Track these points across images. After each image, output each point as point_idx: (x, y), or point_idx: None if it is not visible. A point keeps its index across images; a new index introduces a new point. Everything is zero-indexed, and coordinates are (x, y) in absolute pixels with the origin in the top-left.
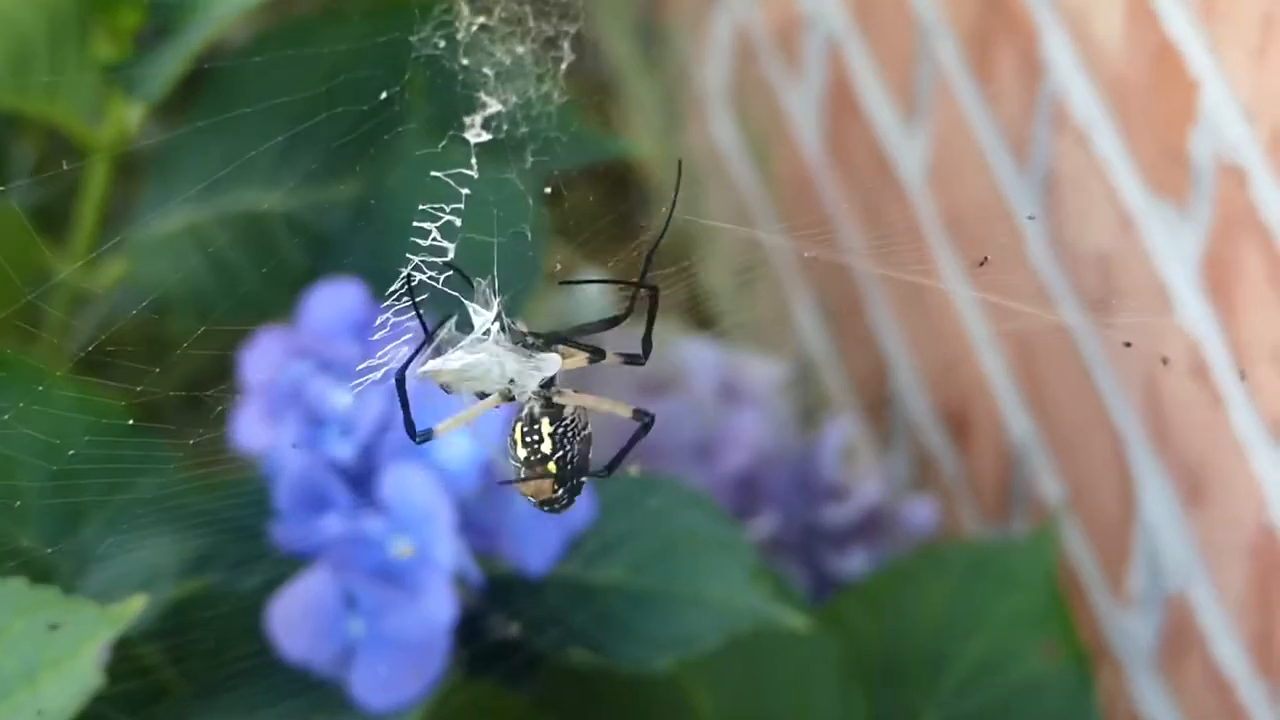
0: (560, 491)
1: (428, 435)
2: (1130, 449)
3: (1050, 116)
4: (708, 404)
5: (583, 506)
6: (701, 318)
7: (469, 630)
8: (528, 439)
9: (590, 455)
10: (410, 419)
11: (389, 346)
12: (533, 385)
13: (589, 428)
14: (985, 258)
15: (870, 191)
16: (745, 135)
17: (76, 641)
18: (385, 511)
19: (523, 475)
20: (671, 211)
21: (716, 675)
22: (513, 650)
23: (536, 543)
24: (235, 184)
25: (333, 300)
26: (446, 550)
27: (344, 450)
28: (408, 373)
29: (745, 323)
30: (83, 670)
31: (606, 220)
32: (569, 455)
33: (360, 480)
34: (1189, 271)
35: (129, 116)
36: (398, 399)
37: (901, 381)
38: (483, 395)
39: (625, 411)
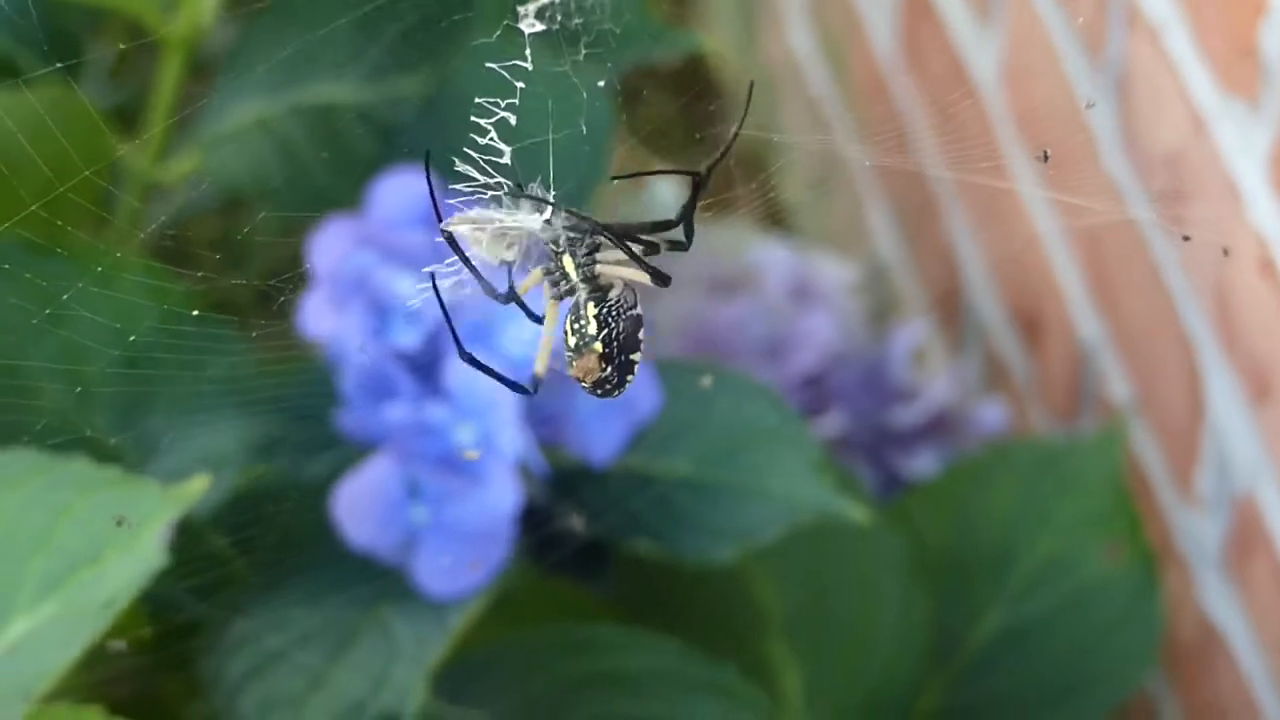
0: (609, 370)
1: (535, 383)
2: (1199, 349)
3: (1123, 14)
4: (779, 304)
5: (648, 398)
6: (776, 220)
7: (532, 520)
8: (575, 325)
9: (640, 335)
10: (457, 335)
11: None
12: (561, 235)
13: (637, 307)
14: (1046, 153)
15: (944, 94)
16: (821, 39)
17: (140, 521)
18: (450, 400)
19: (571, 360)
20: (739, 130)
21: (781, 570)
22: (576, 540)
23: (601, 433)
24: (305, 76)
25: (399, 190)
26: (510, 439)
27: (409, 339)
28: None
29: (819, 225)
30: (146, 550)
31: (679, 124)
32: (614, 334)
33: (425, 369)
34: (1259, 169)
35: (202, 9)
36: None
37: (973, 284)
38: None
39: (643, 277)
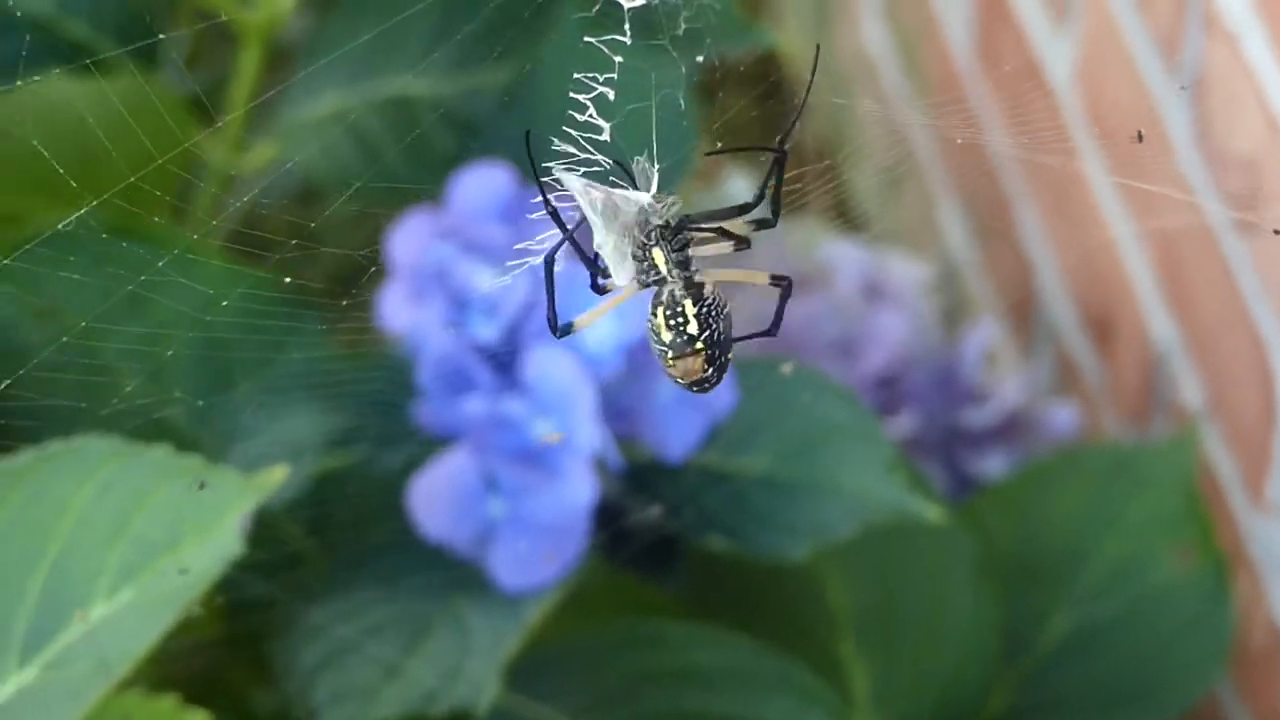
0: (710, 370)
1: (569, 329)
2: (1272, 353)
3: (1201, 19)
4: (851, 303)
5: (724, 394)
6: (847, 218)
7: (608, 515)
8: (672, 322)
9: (731, 333)
10: (554, 309)
11: (542, 236)
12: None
13: (729, 305)
14: (1140, 133)
15: (1018, 93)
16: (895, 37)
17: (219, 509)
18: (527, 394)
19: (670, 358)
20: (806, 96)
21: (852, 569)
22: (650, 536)
23: (677, 429)
24: (385, 68)
25: (481, 183)
26: (587, 434)
27: (488, 332)
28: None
29: (891, 225)
30: (224, 537)
31: (753, 117)
32: (715, 333)
33: (503, 362)
34: None
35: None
36: (545, 286)
37: (1045, 286)
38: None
39: (762, 279)
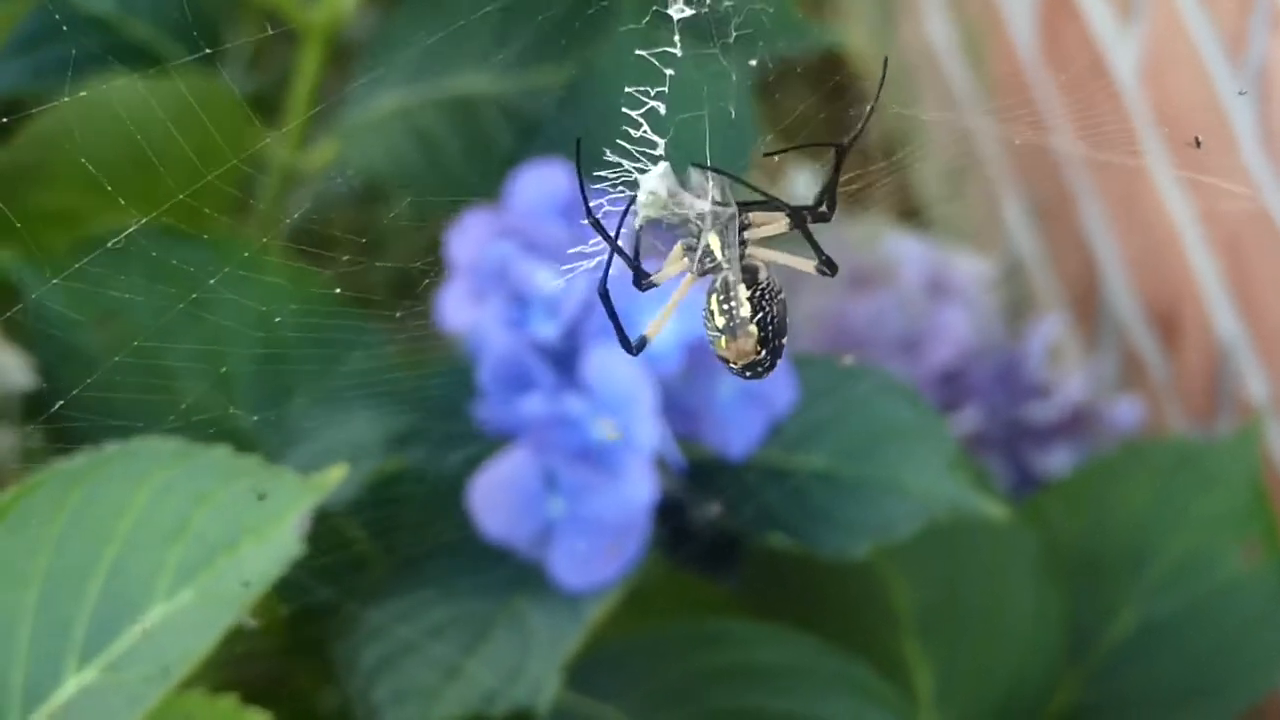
0: (764, 353)
1: (643, 343)
2: None
3: (1266, 13)
4: (915, 298)
5: (785, 391)
6: (911, 214)
7: (668, 513)
8: (725, 306)
9: (787, 319)
10: (623, 333)
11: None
12: (702, 206)
13: (783, 291)
14: (1197, 139)
15: (1084, 90)
16: (960, 33)
17: (278, 509)
18: (588, 393)
19: (723, 342)
20: (874, 106)
21: (914, 566)
22: (712, 534)
23: (738, 427)
24: (446, 67)
25: (540, 182)
26: (648, 432)
27: (548, 331)
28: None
29: (956, 221)
30: (283, 538)
31: (816, 116)
32: (769, 317)
33: (563, 361)
34: None
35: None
36: (607, 314)
37: (1110, 281)
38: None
39: (808, 266)
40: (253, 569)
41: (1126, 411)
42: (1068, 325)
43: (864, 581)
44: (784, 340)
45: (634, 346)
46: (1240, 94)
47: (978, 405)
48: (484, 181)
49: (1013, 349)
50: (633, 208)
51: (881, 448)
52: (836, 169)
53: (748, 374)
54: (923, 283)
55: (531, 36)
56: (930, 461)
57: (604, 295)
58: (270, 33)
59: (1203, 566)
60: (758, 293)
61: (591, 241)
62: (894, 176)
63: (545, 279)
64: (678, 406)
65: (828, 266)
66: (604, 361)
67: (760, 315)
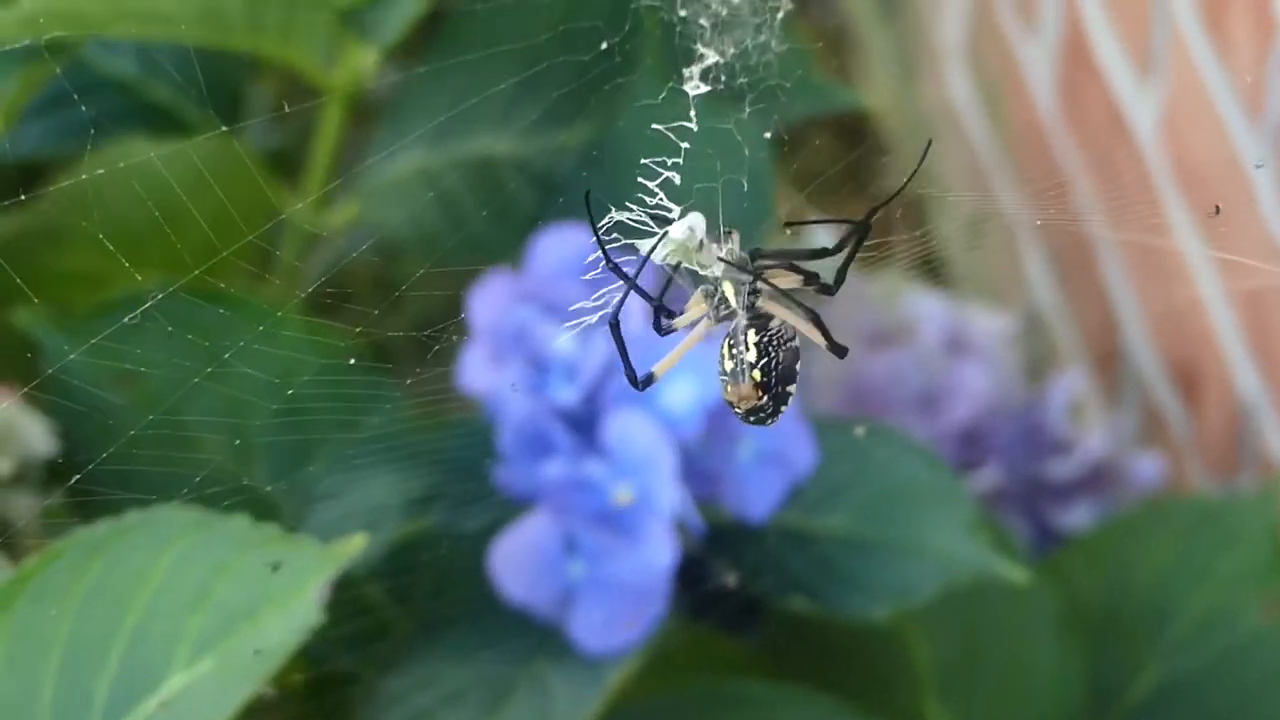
0: (765, 399)
1: (649, 379)
2: None
3: None
4: (934, 356)
5: (805, 455)
6: (932, 270)
7: (689, 576)
8: (734, 350)
9: (797, 368)
10: (630, 366)
11: (604, 290)
12: (718, 254)
13: (796, 340)
14: (1218, 207)
15: (1103, 146)
16: (980, 89)
17: (298, 579)
18: (608, 457)
19: (728, 386)
20: (906, 183)
21: (935, 626)
22: (732, 597)
23: (758, 491)
24: (466, 128)
25: (559, 245)
26: (668, 496)
27: (568, 395)
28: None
29: (977, 275)
30: (303, 607)
31: (840, 173)
32: (774, 363)
33: (584, 425)
34: None
35: (363, 60)
36: (616, 345)
37: (1131, 337)
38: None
39: (820, 340)
40: (272, 638)
41: (1148, 468)
42: (1089, 381)
43: (884, 640)
44: (790, 388)
45: (640, 382)
46: (1258, 167)
47: (998, 462)
48: (505, 243)
49: (1033, 405)
50: (662, 242)
51: (901, 510)
52: (855, 248)
53: (751, 419)
54: (941, 340)
55: (553, 98)
56: (950, 523)
57: (614, 326)
58: (291, 89)
59: (1224, 623)
60: (766, 339)
61: (596, 296)
62: (917, 233)
63: (564, 343)
64: (698, 470)
65: (837, 351)
66: (624, 425)
67: (765, 360)
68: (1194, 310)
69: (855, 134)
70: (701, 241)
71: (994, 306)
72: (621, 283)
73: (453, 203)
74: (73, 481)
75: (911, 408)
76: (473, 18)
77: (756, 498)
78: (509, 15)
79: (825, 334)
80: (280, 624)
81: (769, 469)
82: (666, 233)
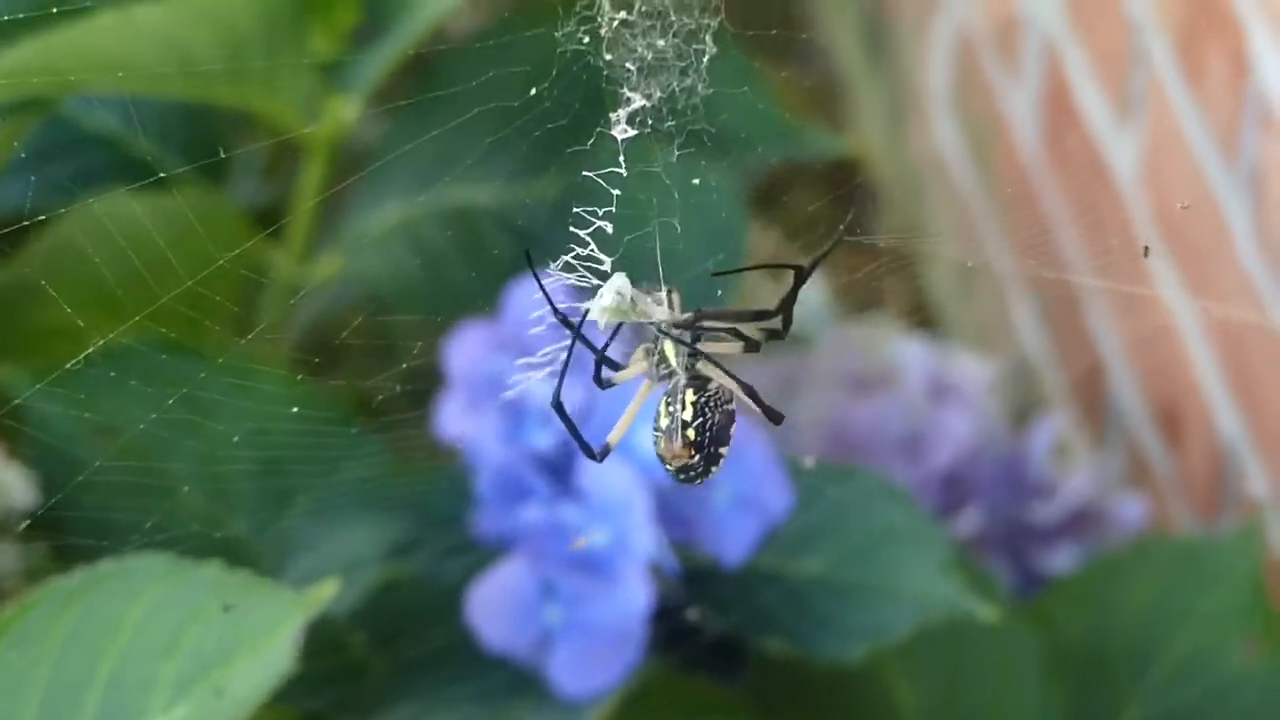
0: (697, 459)
1: (606, 450)
2: None
3: (1257, 115)
4: (918, 401)
5: (780, 497)
6: (921, 315)
7: (666, 620)
8: (670, 407)
9: (732, 431)
10: (584, 442)
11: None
12: (660, 315)
13: (733, 403)
14: (1146, 248)
15: (1086, 190)
16: (967, 136)
17: (271, 625)
18: (584, 501)
19: (661, 443)
20: (842, 232)
21: (917, 668)
22: (711, 639)
23: (734, 534)
24: (446, 180)
25: (534, 294)
26: (643, 540)
27: (543, 441)
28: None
29: (964, 320)
30: (276, 653)
31: (826, 221)
32: (709, 424)
33: (559, 470)
34: None
35: (345, 113)
36: (565, 426)
37: (1115, 379)
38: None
39: (757, 405)
40: (246, 684)
41: (1131, 510)
42: (1073, 423)
43: (867, 682)
44: (723, 450)
45: (598, 454)
46: (1182, 206)
47: (980, 506)
48: (482, 293)
49: (1017, 449)
50: (592, 313)
51: (877, 552)
52: (794, 292)
53: (680, 477)
54: (925, 385)
55: (525, 154)
56: (925, 564)
57: (558, 408)
58: (274, 143)
59: (1206, 664)
60: (703, 399)
61: (542, 351)
62: (903, 281)
63: (540, 391)
64: (673, 514)
65: (773, 418)
66: (599, 471)
67: (700, 421)
68: (1176, 352)
69: (843, 183)
70: (633, 299)
71: (982, 351)
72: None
73: (432, 253)
74: (53, 528)
75: (895, 452)
76: (454, 70)
77: (732, 541)
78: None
79: (759, 403)
80: (253, 670)
81: (744, 512)
82: (603, 293)
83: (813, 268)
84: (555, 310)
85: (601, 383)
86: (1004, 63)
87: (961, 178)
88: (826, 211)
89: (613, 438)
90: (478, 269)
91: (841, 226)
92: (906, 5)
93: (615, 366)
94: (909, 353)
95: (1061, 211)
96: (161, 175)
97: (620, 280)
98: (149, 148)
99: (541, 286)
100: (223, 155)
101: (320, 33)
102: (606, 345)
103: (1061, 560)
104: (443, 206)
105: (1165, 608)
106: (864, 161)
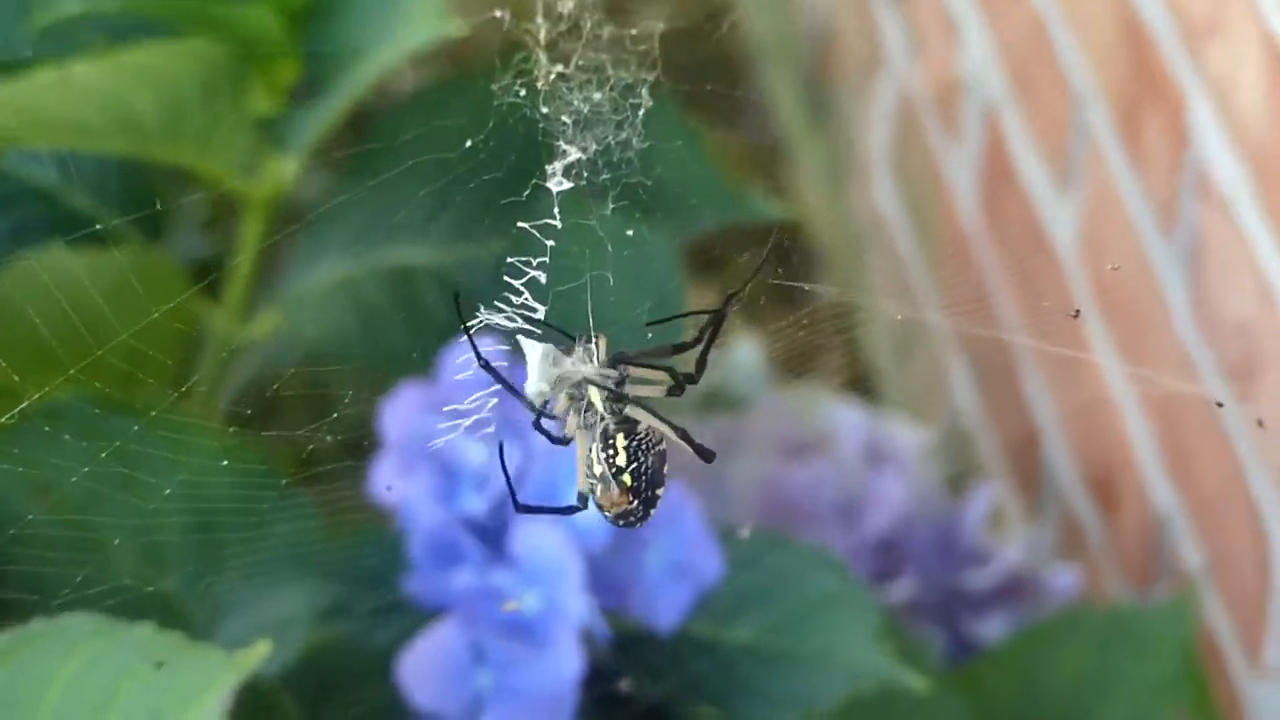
0: (636, 503)
1: (584, 500)
2: (1269, 520)
3: (1195, 185)
4: (853, 467)
5: (712, 564)
6: (856, 379)
7: (597, 685)
8: (603, 455)
9: (665, 470)
10: (557, 510)
11: (479, 393)
12: (589, 370)
13: (663, 443)
14: (1078, 310)
15: (1024, 256)
16: (906, 198)
17: (201, 686)
18: (516, 566)
19: (599, 491)
20: (756, 273)
21: None
22: (640, 707)
23: (666, 600)
24: (385, 239)
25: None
26: (576, 606)
27: (477, 505)
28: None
29: (900, 385)
30: (206, 715)
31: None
32: (643, 467)
33: (492, 535)
34: None
35: (283, 171)
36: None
37: (1050, 448)
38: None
39: (688, 445)
40: None
41: (1064, 578)
42: (1008, 491)
43: None
44: (658, 491)
45: (580, 503)
46: (1113, 269)
47: (914, 573)
48: (420, 353)
49: (951, 516)
50: (528, 391)
51: (808, 620)
52: (711, 339)
53: (620, 523)
54: (860, 451)
55: (463, 213)
56: (857, 633)
57: (518, 507)
58: (213, 198)
59: None
60: (635, 443)
61: (469, 399)
62: (839, 345)
63: (474, 454)
64: (606, 579)
65: (704, 456)
66: (532, 536)
67: (634, 465)
68: (1110, 422)
69: (782, 244)
70: (554, 358)
71: (918, 417)
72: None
73: (371, 312)
74: None
75: (830, 517)
76: (393, 129)
77: (664, 607)
78: (431, 122)
79: (690, 442)
80: None
81: (677, 579)
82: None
83: (728, 304)
84: (481, 359)
85: (540, 429)
86: (945, 126)
87: (900, 239)
88: (764, 269)
89: (582, 486)
90: (415, 328)
91: (759, 264)
92: (848, 66)
93: (552, 418)
94: (844, 418)
95: (999, 276)
96: (99, 228)
97: (541, 354)
98: (87, 202)
99: (470, 338)
100: (160, 209)
101: (259, 91)
102: (541, 412)
103: (994, 628)
104: (381, 265)
105: (1097, 677)
106: (803, 221)
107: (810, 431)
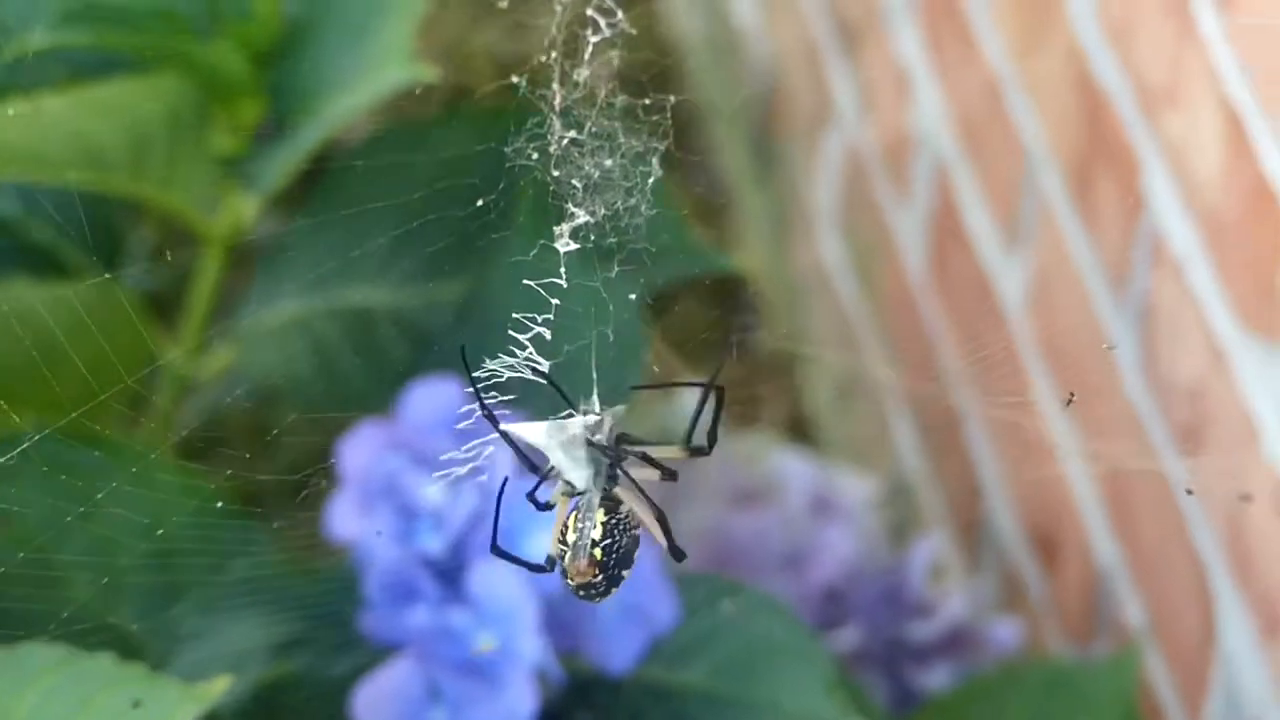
0: (600, 578)
1: (500, 552)
2: (1212, 579)
3: (1149, 249)
4: (799, 516)
5: (666, 609)
6: (800, 430)
7: None
8: (579, 524)
9: (636, 555)
10: (496, 530)
11: (475, 441)
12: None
13: (640, 529)
14: (1072, 395)
15: (971, 315)
16: (852, 253)
17: (160, 719)
18: (472, 606)
19: (567, 558)
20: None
21: None
22: None
23: (619, 643)
24: (343, 279)
25: (431, 397)
26: (530, 647)
27: (434, 544)
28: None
29: (844, 437)
30: None
31: (711, 333)
32: (616, 545)
33: (449, 574)
34: (1278, 408)
35: (244, 209)
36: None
37: (993, 503)
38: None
39: (662, 540)
40: None
41: (1005, 632)
42: (951, 544)
43: None
44: (625, 572)
45: (494, 549)
46: (1109, 348)
47: (859, 623)
48: (378, 393)
49: (896, 567)
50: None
51: (760, 667)
52: (717, 408)
53: (580, 593)
54: (807, 501)
55: (424, 255)
56: (807, 682)
57: (498, 552)
58: (172, 234)
59: None
60: (613, 521)
61: (465, 447)
62: (783, 396)
63: (432, 493)
64: (560, 621)
65: (676, 555)
66: (488, 576)
67: (609, 542)
68: (1054, 477)
69: (729, 296)
70: (559, 428)
71: (861, 469)
72: (492, 438)
73: (328, 351)
74: None
75: (776, 566)
76: (356, 171)
77: (617, 650)
78: (393, 170)
79: (668, 535)
80: None
81: (630, 623)
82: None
83: (713, 383)
84: (485, 410)
85: (535, 501)
86: (893, 182)
87: (845, 294)
88: (714, 322)
89: (554, 550)
90: (375, 368)
91: (733, 339)
92: (796, 120)
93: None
94: (792, 468)
95: (945, 333)
96: (59, 261)
97: (545, 432)
98: (48, 235)
99: (478, 392)
100: (121, 241)
101: (223, 128)
102: (541, 481)
103: (937, 679)
104: (341, 305)
105: None
106: (750, 275)
107: (758, 480)
